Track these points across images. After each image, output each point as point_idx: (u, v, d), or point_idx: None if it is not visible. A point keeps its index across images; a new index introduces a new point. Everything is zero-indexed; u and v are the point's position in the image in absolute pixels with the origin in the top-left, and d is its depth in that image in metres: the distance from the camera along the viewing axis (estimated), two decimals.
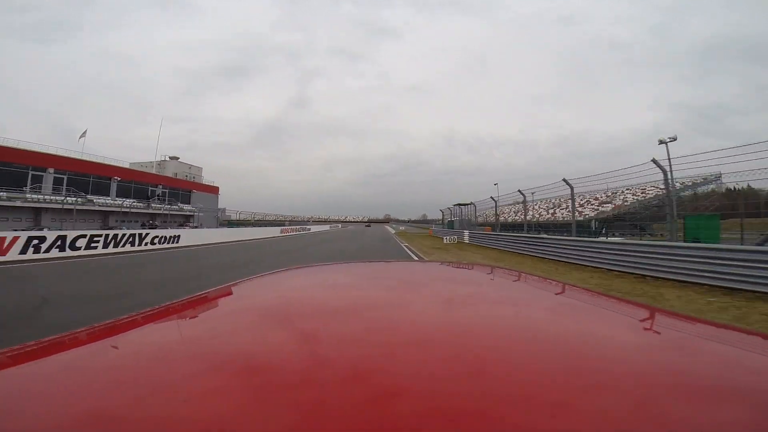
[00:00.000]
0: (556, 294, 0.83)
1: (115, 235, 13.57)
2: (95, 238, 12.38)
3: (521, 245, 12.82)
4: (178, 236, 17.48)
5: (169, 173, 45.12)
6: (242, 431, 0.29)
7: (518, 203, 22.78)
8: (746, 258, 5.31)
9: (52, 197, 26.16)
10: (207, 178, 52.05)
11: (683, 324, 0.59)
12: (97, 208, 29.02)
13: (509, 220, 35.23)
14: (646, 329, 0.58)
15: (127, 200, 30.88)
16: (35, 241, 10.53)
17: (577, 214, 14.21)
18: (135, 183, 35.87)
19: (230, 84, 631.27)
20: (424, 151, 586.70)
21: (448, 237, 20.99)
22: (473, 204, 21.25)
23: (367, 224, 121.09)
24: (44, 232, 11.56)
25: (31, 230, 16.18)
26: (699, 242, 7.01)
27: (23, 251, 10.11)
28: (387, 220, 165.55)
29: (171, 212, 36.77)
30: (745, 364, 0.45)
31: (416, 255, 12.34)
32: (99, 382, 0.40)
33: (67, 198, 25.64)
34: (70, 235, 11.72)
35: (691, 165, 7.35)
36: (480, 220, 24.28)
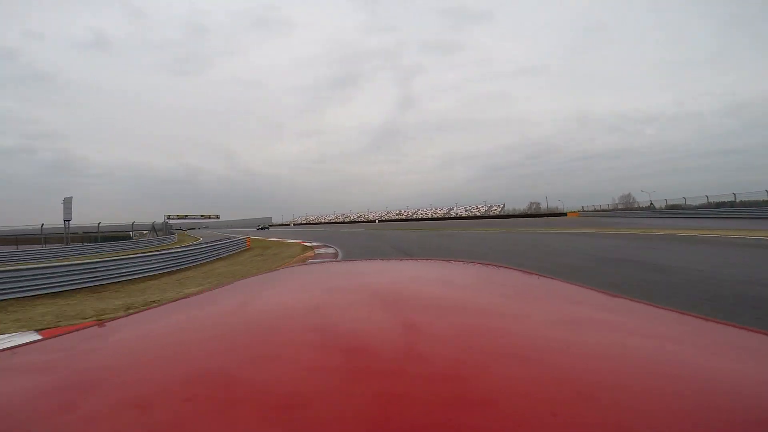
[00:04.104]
0: (561, 293, 0.81)
1: None
2: None
3: None
4: None
5: None
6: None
7: None
8: None
9: None
10: None
11: (690, 321, 0.59)
12: None
13: None
14: (653, 328, 0.57)
15: None
16: None
17: None
18: None
19: (342, 94, 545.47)
20: (551, 137, 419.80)
21: None
22: None
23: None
24: None
25: None
26: None
27: None
28: (557, 212, 77.25)
29: None
30: (749, 362, 0.44)
31: None
32: (95, 383, 0.41)
33: None
34: None
35: None
36: None
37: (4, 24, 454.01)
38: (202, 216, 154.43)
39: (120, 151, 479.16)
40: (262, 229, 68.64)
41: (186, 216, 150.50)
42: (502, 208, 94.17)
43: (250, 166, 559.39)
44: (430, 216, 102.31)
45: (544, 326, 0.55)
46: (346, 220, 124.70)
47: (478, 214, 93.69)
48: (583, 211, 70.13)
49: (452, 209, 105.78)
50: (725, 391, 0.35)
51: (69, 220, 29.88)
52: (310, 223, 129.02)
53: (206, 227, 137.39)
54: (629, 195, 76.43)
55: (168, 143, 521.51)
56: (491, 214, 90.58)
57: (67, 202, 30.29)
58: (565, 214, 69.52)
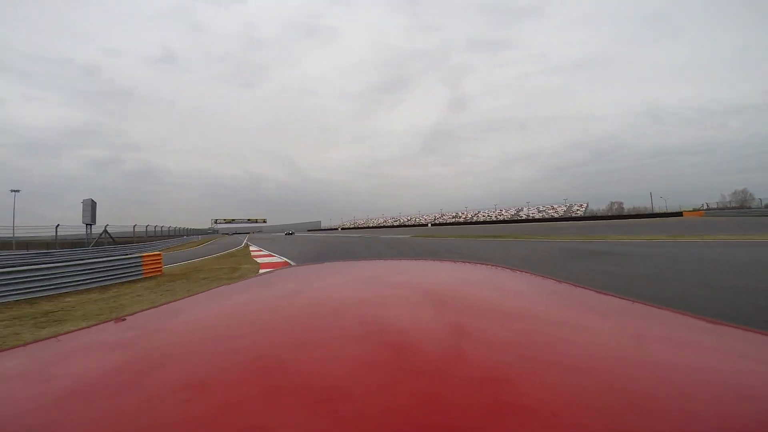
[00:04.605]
0: (560, 293, 0.82)
1: None
2: None
3: None
4: None
5: None
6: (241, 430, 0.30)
7: None
8: None
9: None
10: None
11: (691, 321, 0.59)
12: None
13: None
14: (653, 329, 0.57)
15: None
16: None
17: None
18: None
19: (391, 98, 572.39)
20: (620, 133, 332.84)
21: None
22: None
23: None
24: None
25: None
26: None
27: None
28: (667, 212, 62.26)
29: None
30: (749, 362, 0.45)
31: None
32: (97, 383, 0.42)
33: None
34: None
35: None
36: None
37: (87, 41, 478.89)
38: (248, 220, 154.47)
39: (191, 161, 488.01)
40: (289, 234, 71.95)
41: (233, 220, 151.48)
42: (586, 208, 78.71)
43: (307, 172, 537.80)
44: (494, 218, 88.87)
45: (544, 327, 0.56)
46: (395, 224, 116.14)
47: (555, 215, 78.98)
48: (708, 209, 54.26)
49: (521, 210, 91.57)
50: (725, 391, 0.36)
51: (90, 224, 27.02)
52: (358, 227, 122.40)
53: (259, 231, 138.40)
54: (744, 191, 58.88)
55: (233, 152, 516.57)
56: (573, 215, 75.69)
57: (86, 205, 28.22)
58: (680, 214, 54.43)
